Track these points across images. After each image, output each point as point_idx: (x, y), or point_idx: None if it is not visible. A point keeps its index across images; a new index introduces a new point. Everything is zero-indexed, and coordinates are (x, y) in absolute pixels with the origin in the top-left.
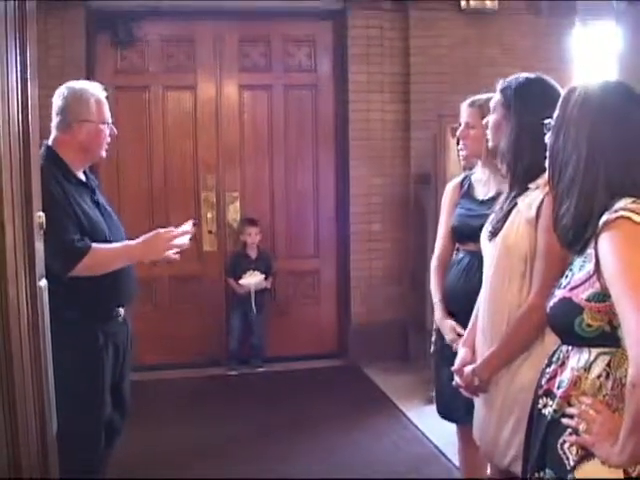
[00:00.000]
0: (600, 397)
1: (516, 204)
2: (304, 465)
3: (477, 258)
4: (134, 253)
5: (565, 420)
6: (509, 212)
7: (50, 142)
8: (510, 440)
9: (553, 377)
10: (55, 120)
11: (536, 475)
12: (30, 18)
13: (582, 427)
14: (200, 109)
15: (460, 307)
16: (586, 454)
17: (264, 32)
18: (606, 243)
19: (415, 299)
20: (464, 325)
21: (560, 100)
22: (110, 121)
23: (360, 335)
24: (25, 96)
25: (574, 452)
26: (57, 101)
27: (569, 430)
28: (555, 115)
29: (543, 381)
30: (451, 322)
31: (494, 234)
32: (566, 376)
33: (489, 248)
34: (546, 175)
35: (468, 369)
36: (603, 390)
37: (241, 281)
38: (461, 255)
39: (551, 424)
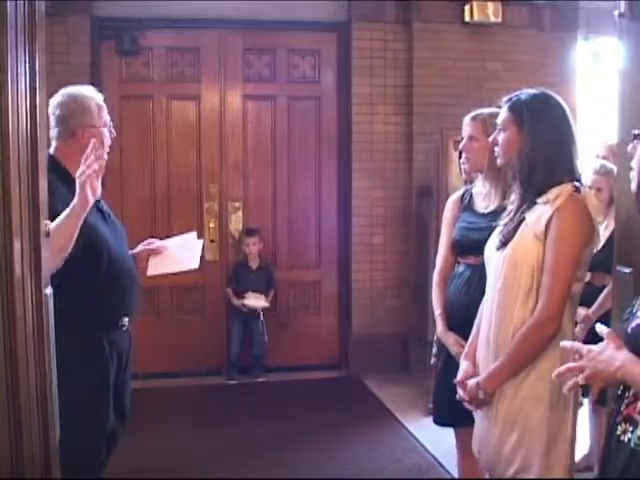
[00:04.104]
0: None
1: (524, 218)
2: (303, 475)
3: (478, 271)
4: (73, 208)
5: None
6: (518, 226)
7: (52, 152)
8: (513, 453)
9: (633, 402)
10: (55, 129)
11: None
12: (39, 26)
13: None
14: (204, 119)
15: (461, 320)
16: None
17: (269, 43)
18: None
19: (416, 311)
20: (464, 337)
21: None
22: (110, 124)
23: (361, 346)
24: (34, 105)
25: None
26: (55, 110)
27: None
28: None
29: (622, 406)
30: (454, 335)
31: (504, 244)
32: None
33: (496, 258)
34: (555, 190)
35: (472, 382)
36: None
37: (244, 302)
38: (462, 268)
39: (636, 453)
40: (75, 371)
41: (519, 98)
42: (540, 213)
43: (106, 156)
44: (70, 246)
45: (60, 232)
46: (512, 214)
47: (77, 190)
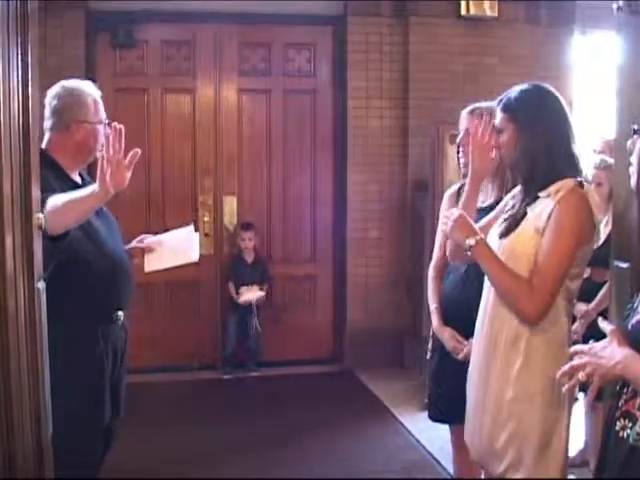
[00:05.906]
0: None
1: (526, 213)
2: (296, 470)
3: (474, 266)
4: (96, 191)
5: None
6: (520, 219)
7: (44, 145)
8: (505, 449)
9: (632, 398)
10: (50, 121)
11: None
12: (32, 19)
13: None
14: (199, 112)
15: (457, 315)
16: None
17: (264, 36)
18: None
19: (411, 306)
20: (460, 332)
21: None
22: (106, 121)
23: (355, 341)
24: (26, 98)
25: None
26: (52, 101)
27: None
28: None
29: (620, 402)
30: (449, 330)
31: (505, 234)
32: None
33: (496, 247)
34: (558, 184)
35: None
36: None
37: (241, 299)
38: (458, 263)
39: (635, 449)
40: (71, 366)
41: (510, 96)
42: (542, 208)
43: (98, 153)
44: (68, 228)
45: (67, 210)
46: (515, 208)
47: (98, 176)
